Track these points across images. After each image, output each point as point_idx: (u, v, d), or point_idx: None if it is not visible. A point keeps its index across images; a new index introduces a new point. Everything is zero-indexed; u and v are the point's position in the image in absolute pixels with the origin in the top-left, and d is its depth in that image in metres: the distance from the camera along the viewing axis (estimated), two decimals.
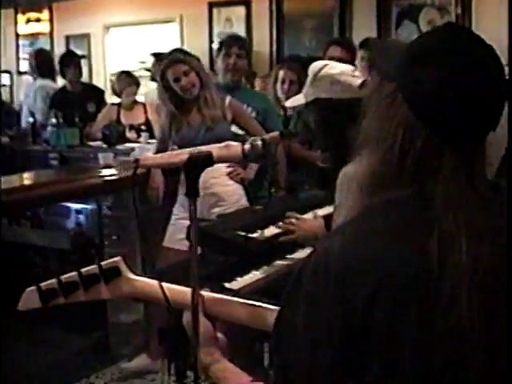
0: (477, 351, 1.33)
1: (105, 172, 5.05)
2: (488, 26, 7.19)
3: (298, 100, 2.96)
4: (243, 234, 3.37)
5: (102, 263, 1.89)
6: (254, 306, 1.88)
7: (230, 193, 4.62)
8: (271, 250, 3.38)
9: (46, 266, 5.62)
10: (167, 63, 4.69)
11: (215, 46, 7.57)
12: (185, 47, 7.84)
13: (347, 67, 2.98)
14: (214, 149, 1.74)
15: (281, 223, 3.31)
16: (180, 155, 1.72)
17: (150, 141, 6.47)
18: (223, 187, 4.60)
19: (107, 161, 5.28)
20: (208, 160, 1.71)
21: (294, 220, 3.27)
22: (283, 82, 5.89)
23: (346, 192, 2.71)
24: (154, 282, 1.89)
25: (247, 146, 1.78)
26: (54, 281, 1.87)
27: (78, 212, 5.62)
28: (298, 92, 5.67)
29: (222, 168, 4.55)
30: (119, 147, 6.49)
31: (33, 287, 1.88)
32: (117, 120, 7.14)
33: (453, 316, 1.32)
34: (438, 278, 1.33)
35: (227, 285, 3.05)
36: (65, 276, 1.88)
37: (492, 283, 1.35)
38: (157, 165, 1.83)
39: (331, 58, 5.24)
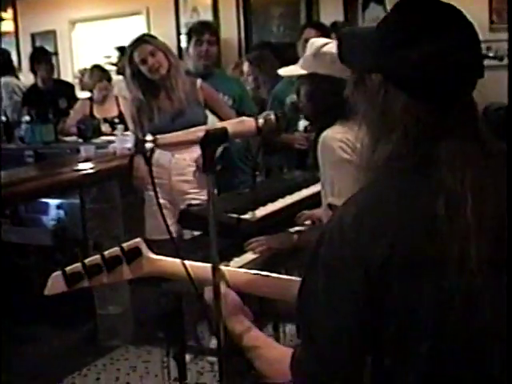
0: (488, 302, 1.41)
1: (83, 165, 5.06)
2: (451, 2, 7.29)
3: (295, 70, 3.02)
4: (235, 216, 3.42)
5: (124, 245, 1.94)
6: (277, 278, 1.94)
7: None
8: (263, 230, 3.43)
9: (28, 263, 5.62)
10: (133, 44, 4.66)
11: (184, 36, 7.57)
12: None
13: None
14: (229, 124, 1.79)
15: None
16: (196, 132, 1.76)
17: (125, 133, 6.46)
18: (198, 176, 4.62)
19: (89, 153, 5.28)
20: (224, 136, 1.75)
21: None
22: (248, 75, 6.01)
23: (326, 155, 2.80)
24: (175, 260, 1.94)
25: (261, 121, 1.82)
26: (78, 264, 1.91)
27: (58, 207, 5.62)
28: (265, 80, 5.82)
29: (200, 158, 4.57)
30: (95, 141, 6.49)
31: (58, 272, 1.92)
32: (90, 114, 7.14)
33: (464, 271, 1.40)
34: (447, 236, 1.41)
35: (227, 264, 3.09)
36: (88, 259, 1.92)
37: (497, 236, 1.43)
38: (175, 142, 1.86)
39: (307, 40, 5.32)
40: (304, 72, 2.93)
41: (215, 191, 4.55)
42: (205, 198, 4.29)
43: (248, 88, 5.89)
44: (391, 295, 1.42)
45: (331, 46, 2.84)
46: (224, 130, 1.75)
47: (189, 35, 5.47)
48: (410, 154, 1.48)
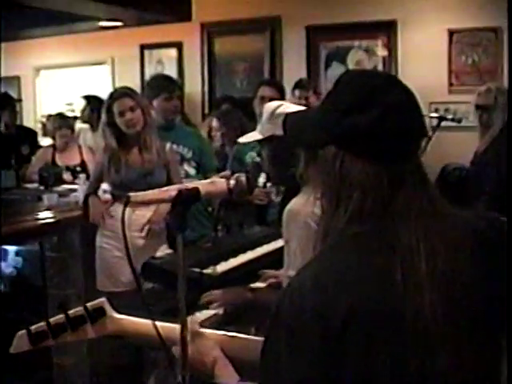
0: (444, 349, 1.48)
1: (44, 214, 5.07)
2: (412, 67, 7.48)
3: (253, 136, 3.07)
4: (198, 270, 3.45)
5: (88, 304, 1.98)
6: (243, 338, 1.97)
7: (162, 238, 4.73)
8: (225, 285, 3.45)
9: None
10: (115, 96, 4.73)
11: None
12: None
13: (301, 108, 3.10)
14: (201, 185, 1.84)
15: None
16: (169, 191, 1.81)
17: (87, 182, 6.48)
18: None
19: (51, 202, 5.29)
20: (196, 195, 1.80)
21: None
22: (216, 131, 6.10)
23: (291, 226, 2.84)
24: (140, 321, 1.98)
25: (232, 182, 1.88)
26: (42, 323, 1.94)
27: (17, 254, 5.60)
28: (231, 134, 5.91)
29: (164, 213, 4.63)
30: (57, 189, 6.49)
31: (23, 331, 1.95)
32: (52, 162, 7.14)
33: (419, 326, 1.46)
34: (402, 293, 1.48)
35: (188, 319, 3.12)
36: (53, 318, 1.95)
37: (450, 287, 1.50)
38: (147, 201, 1.90)
39: (262, 98, 5.47)
40: (261, 137, 2.99)
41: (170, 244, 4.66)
42: (158, 254, 4.42)
43: (217, 144, 6.00)
44: (351, 354, 1.46)
45: (285, 107, 2.91)
46: (196, 190, 1.80)
47: (156, 90, 5.54)
48: (369, 216, 1.55)
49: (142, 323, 1.99)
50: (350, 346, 1.46)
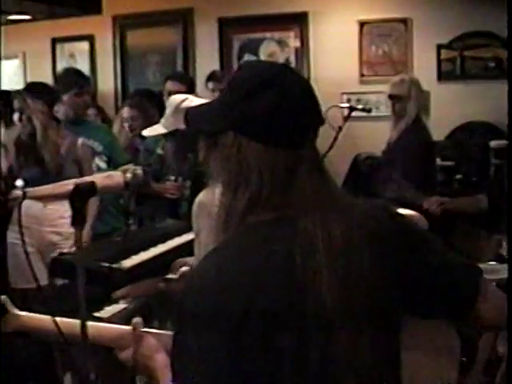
0: (343, 334, 1.52)
1: None
2: (324, 58, 7.56)
3: (157, 130, 3.07)
4: (107, 264, 3.43)
5: None
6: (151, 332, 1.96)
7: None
8: (133, 279, 3.44)
9: None
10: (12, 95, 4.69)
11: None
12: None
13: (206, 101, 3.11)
14: (97, 178, 1.83)
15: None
16: (66, 186, 1.80)
17: None
18: (70, 228, 4.61)
19: None
20: (92, 190, 1.79)
21: None
22: (128, 120, 6.12)
23: (200, 218, 2.85)
24: (42, 317, 1.96)
25: (129, 176, 1.87)
26: None
27: None
28: (143, 126, 5.92)
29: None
30: None
31: None
32: None
33: (319, 308, 1.51)
34: (303, 281, 1.51)
35: (96, 314, 3.10)
36: None
37: (347, 273, 1.55)
38: (45, 195, 1.89)
39: (170, 92, 5.48)
40: (166, 130, 2.98)
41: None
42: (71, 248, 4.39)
43: (130, 135, 6.01)
44: (254, 342, 1.48)
45: (189, 100, 2.91)
46: (92, 184, 1.79)
47: (66, 85, 5.49)
48: (267, 202, 1.57)
49: (44, 320, 1.97)
50: (252, 334, 1.48)
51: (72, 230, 4.46)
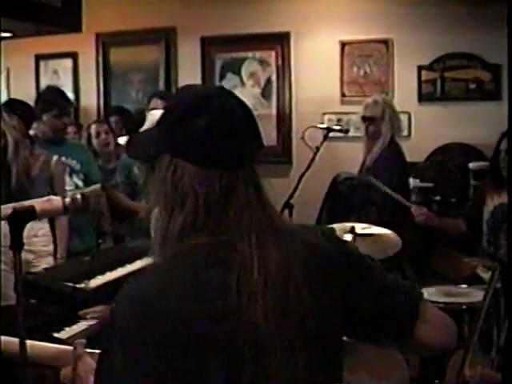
0: (278, 359, 1.51)
1: None
2: (306, 78, 7.58)
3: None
4: (70, 284, 3.42)
5: None
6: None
7: (48, 252, 4.65)
8: (97, 300, 3.43)
9: None
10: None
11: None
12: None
13: None
14: (37, 203, 1.83)
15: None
16: (6, 209, 1.79)
17: None
18: (43, 247, 4.61)
19: None
20: (31, 214, 1.79)
21: None
22: (98, 135, 6.23)
23: None
24: (8, 338, 1.95)
25: (68, 200, 1.87)
26: None
27: None
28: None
29: (46, 226, 4.59)
30: None
31: None
32: None
33: (253, 334, 1.50)
34: (237, 307, 1.50)
35: (56, 334, 3.09)
36: None
37: (283, 299, 1.54)
38: None
39: (154, 110, 5.46)
40: None
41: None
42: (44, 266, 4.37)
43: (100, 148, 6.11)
44: (183, 370, 1.48)
45: None
46: (31, 208, 1.79)
47: (47, 105, 5.49)
48: (203, 224, 1.56)
49: (11, 341, 1.96)
50: (181, 358, 1.48)
51: (46, 248, 4.56)
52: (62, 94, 5.82)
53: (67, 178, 5.43)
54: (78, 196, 1.89)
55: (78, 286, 3.43)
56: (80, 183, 5.48)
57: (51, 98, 5.63)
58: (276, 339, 1.51)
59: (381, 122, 5.61)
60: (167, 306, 1.50)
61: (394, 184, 5.26)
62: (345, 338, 1.72)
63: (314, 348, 1.57)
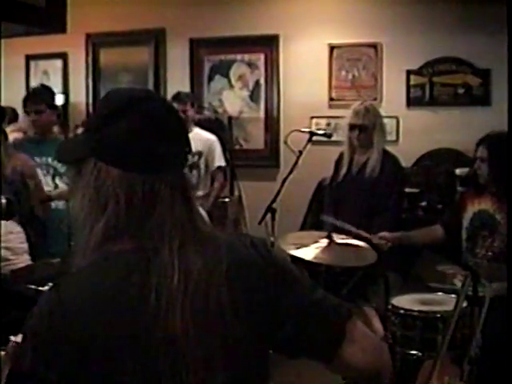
0: (197, 368, 1.49)
1: None
2: (294, 81, 7.53)
3: None
4: (33, 287, 3.39)
5: None
6: None
7: (24, 249, 4.62)
8: None
9: None
10: None
11: None
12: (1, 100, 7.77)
13: None
14: None
15: None
16: None
17: None
18: (19, 244, 4.58)
19: None
20: None
21: None
22: None
23: None
24: None
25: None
26: None
27: None
28: None
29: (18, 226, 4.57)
30: None
31: None
32: None
33: (171, 342, 1.48)
34: (155, 315, 1.47)
35: (13, 338, 3.04)
36: None
37: (203, 307, 1.51)
38: None
39: None
40: None
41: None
42: (23, 264, 4.36)
43: None
44: (103, 372, 1.46)
45: None
46: None
47: (32, 103, 5.54)
48: (125, 228, 1.54)
49: None
50: (99, 364, 1.46)
51: (23, 245, 4.53)
52: (47, 92, 5.81)
53: (49, 180, 5.41)
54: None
55: (41, 288, 3.39)
56: (62, 185, 5.41)
57: (36, 96, 5.63)
58: (194, 346, 1.49)
59: (373, 131, 5.46)
60: (85, 312, 1.48)
61: (394, 197, 5.21)
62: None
63: (235, 358, 1.54)
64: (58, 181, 5.46)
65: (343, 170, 5.59)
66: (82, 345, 1.45)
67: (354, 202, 5.44)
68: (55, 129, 6.33)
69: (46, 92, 5.92)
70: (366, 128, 5.42)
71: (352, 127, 5.50)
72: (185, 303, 1.49)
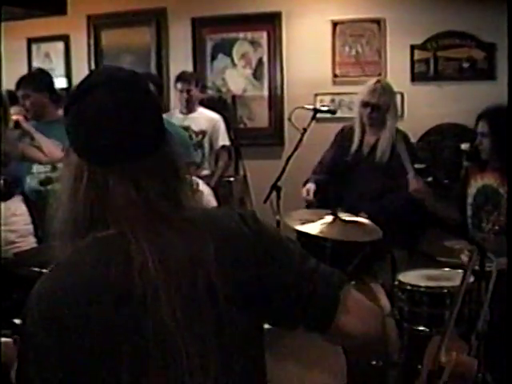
0: (189, 357, 1.47)
1: None
2: (297, 58, 7.48)
3: None
4: (37, 269, 3.37)
5: None
6: None
7: (29, 231, 4.61)
8: None
9: None
10: None
11: None
12: (3, 83, 7.74)
13: None
14: None
15: None
16: None
17: None
18: (24, 225, 4.58)
19: None
20: None
21: None
22: None
23: None
24: None
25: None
26: None
27: None
28: None
29: (22, 205, 4.56)
30: None
31: None
32: None
33: (161, 332, 1.46)
34: (141, 306, 1.47)
35: (17, 321, 3.03)
36: None
37: (185, 287, 1.50)
38: None
39: None
40: None
41: None
42: (29, 246, 4.36)
43: None
44: (92, 359, 1.46)
45: None
46: None
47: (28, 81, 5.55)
48: (96, 217, 1.53)
49: None
50: (88, 359, 1.46)
51: (27, 226, 4.52)
52: (28, 75, 5.83)
53: None
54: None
55: (44, 271, 3.37)
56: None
57: (21, 80, 5.64)
58: (186, 338, 1.47)
59: (387, 111, 5.38)
60: (74, 302, 1.48)
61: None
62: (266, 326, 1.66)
63: (230, 340, 1.53)
64: None
65: (353, 147, 5.50)
66: (75, 330, 1.46)
67: (365, 182, 5.37)
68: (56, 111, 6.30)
69: (33, 76, 5.96)
70: (380, 108, 5.35)
71: (365, 104, 5.42)
72: (170, 287, 1.47)
